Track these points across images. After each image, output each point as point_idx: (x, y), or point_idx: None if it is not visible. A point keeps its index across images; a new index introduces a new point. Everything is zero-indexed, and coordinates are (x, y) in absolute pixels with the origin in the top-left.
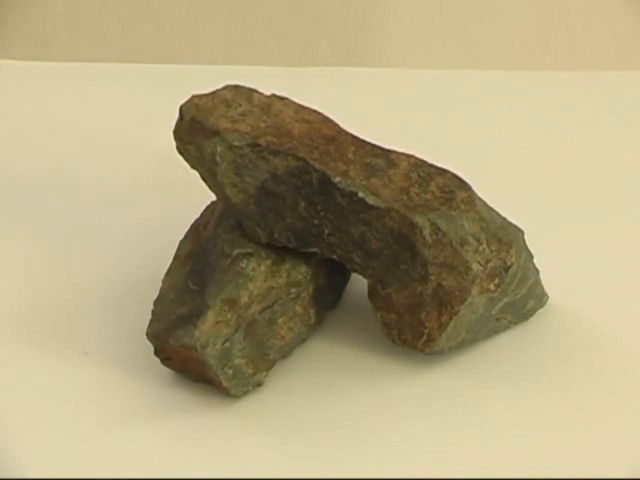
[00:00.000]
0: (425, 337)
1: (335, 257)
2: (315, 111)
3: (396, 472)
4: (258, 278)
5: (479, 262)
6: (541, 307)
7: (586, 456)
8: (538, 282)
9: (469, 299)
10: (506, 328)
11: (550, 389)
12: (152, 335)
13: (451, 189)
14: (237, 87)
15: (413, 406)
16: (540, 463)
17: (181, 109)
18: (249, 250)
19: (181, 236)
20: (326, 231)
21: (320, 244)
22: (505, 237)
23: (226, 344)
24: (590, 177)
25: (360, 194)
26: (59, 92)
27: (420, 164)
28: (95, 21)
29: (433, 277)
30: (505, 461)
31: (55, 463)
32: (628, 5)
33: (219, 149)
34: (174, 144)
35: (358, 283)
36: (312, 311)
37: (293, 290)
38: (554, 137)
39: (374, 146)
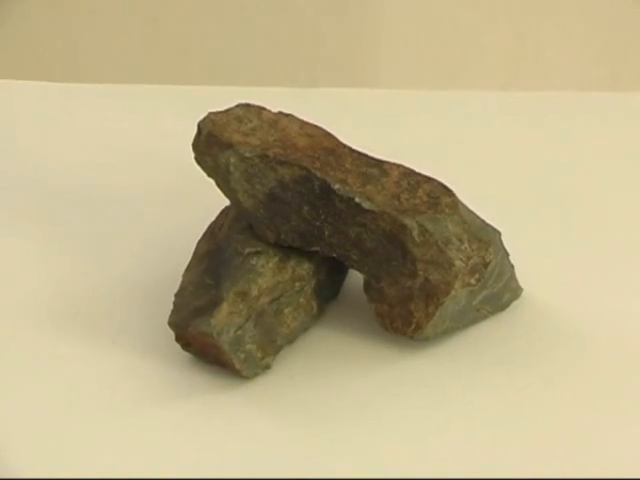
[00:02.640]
0: (414, 325)
1: (334, 255)
2: (317, 126)
3: (387, 444)
4: (267, 273)
5: (461, 259)
6: (516, 299)
7: (557, 433)
8: (513, 277)
9: (453, 292)
10: (485, 317)
11: (523, 371)
12: (173, 324)
13: (437, 195)
14: (248, 105)
15: (403, 387)
16: (509, 436)
17: (199, 125)
18: (259, 249)
19: (199, 237)
20: (327, 232)
21: (321, 244)
22: (484, 237)
23: (238, 332)
24: (558, 184)
25: (357, 199)
26: (91, 113)
27: (409, 173)
28: (125, 49)
29: (421, 272)
30: (481, 433)
31: (74, 438)
32: (614, 32)
33: (232, 160)
34: (193, 156)
35: (355, 278)
36: (314, 303)
37: (297, 284)
38: (525, 151)
39: (369, 157)
